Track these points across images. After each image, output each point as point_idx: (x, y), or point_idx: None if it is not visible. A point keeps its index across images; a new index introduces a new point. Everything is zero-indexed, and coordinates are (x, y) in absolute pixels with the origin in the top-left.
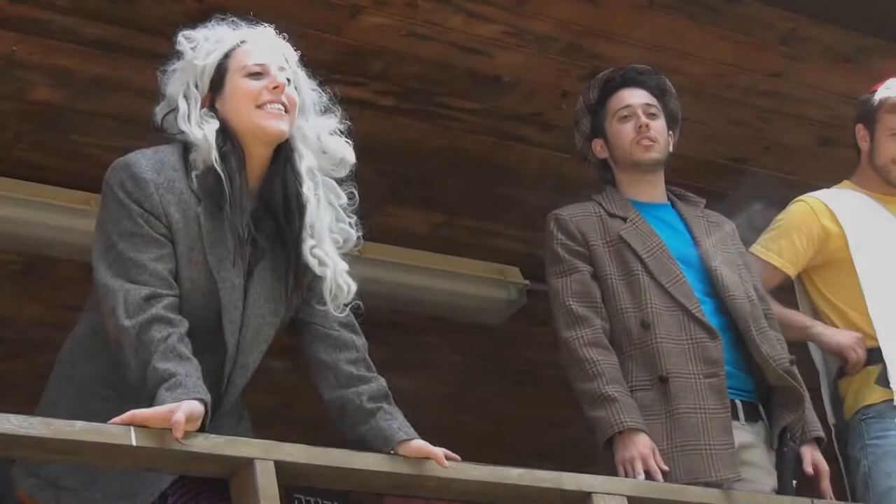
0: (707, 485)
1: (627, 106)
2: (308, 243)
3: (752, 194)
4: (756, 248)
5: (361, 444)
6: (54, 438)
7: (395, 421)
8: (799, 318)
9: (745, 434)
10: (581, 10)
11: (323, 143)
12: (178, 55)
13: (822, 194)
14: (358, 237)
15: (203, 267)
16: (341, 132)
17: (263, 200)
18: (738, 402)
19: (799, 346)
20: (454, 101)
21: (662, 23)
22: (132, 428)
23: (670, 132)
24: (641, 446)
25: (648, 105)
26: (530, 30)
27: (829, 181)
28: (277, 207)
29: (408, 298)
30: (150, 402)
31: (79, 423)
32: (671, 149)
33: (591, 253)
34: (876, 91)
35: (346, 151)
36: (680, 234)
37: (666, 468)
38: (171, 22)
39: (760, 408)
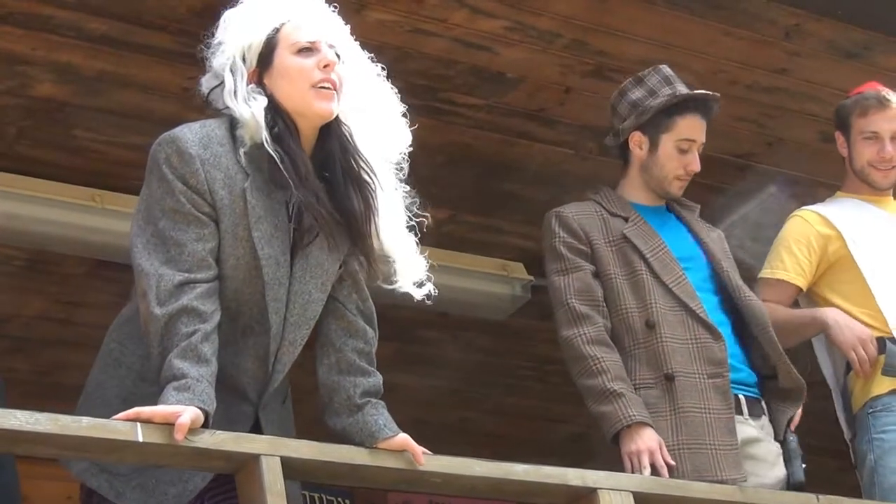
0: (713, 483)
1: (692, 141)
2: (376, 221)
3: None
4: (763, 272)
5: (343, 435)
6: (61, 434)
7: (380, 417)
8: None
9: (748, 429)
10: (584, 5)
11: (376, 118)
12: (224, 27)
13: (814, 206)
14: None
15: (248, 243)
16: (395, 107)
17: (321, 178)
18: (741, 396)
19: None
20: (458, 97)
21: (666, 19)
22: (139, 424)
23: None
24: (649, 440)
25: (702, 144)
26: (534, 26)
27: (831, 177)
28: (339, 185)
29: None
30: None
31: (85, 420)
32: None
33: (593, 251)
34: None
35: (401, 129)
36: (680, 235)
37: (672, 462)
38: (174, 18)
39: (763, 403)
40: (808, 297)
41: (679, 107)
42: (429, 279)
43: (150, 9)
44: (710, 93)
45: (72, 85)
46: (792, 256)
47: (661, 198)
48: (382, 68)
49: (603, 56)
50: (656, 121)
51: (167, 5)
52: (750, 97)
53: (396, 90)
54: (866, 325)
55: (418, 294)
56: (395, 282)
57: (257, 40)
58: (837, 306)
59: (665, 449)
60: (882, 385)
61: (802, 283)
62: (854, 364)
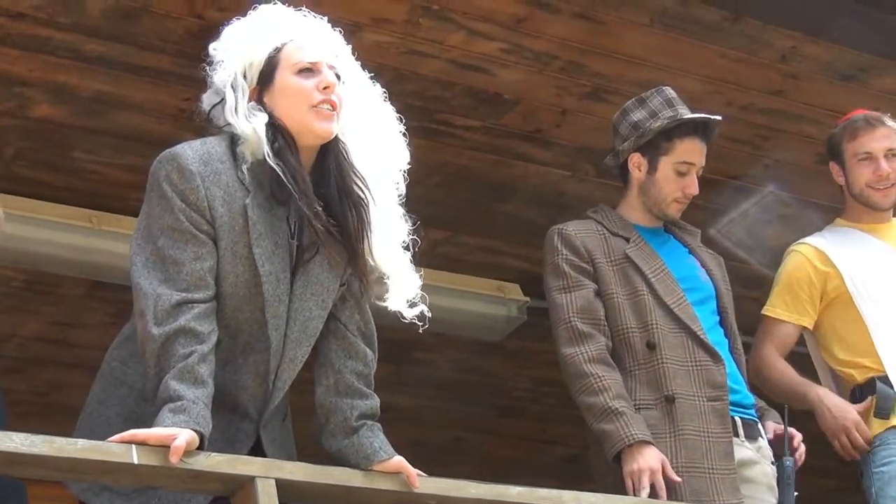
0: None
1: (691, 164)
2: (370, 238)
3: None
4: (766, 310)
5: (338, 457)
6: (56, 457)
7: (376, 439)
8: (799, 385)
9: (744, 451)
10: (580, 27)
11: (375, 138)
12: (225, 44)
13: (813, 239)
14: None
15: (248, 261)
16: (394, 127)
17: (318, 195)
18: (737, 419)
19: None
20: (455, 119)
21: (662, 40)
22: (133, 446)
23: None
24: (650, 459)
25: (701, 168)
26: (530, 48)
27: (827, 199)
28: (334, 202)
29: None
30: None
31: (80, 442)
32: None
33: (596, 270)
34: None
35: (400, 148)
36: (679, 256)
37: (677, 479)
38: (171, 39)
39: (760, 426)
40: (811, 336)
41: (679, 129)
42: (422, 299)
43: (147, 30)
44: (712, 116)
45: (69, 106)
46: (793, 296)
47: (660, 219)
48: (383, 90)
49: (599, 78)
50: (656, 143)
51: (164, 27)
52: (746, 119)
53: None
54: (864, 367)
55: (409, 314)
56: (387, 300)
57: (259, 58)
58: (834, 355)
59: (668, 466)
60: (875, 427)
61: (807, 322)
62: (839, 451)
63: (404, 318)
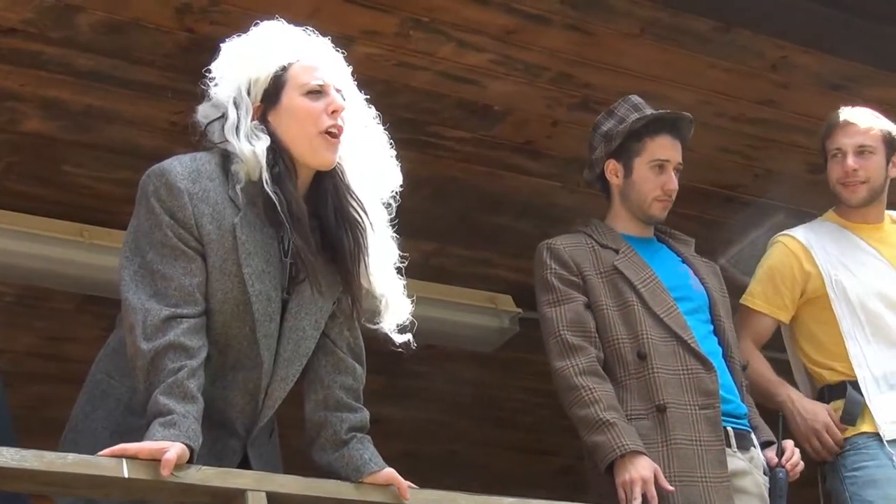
0: None
1: (667, 160)
2: (366, 261)
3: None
4: (745, 300)
5: (329, 470)
6: (46, 471)
7: (366, 451)
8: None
9: (737, 461)
10: (570, 39)
11: (370, 161)
12: (227, 56)
13: (800, 232)
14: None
15: (237, 278)
16: (388, 150)
17: (314, 216)
18: (730, 429)
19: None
20: (445, 131)
21: (652, 51)
22: (124, 460)
23: None
24: (643, 469)
25: (680, 164)
26: (520, 59)
27: (818, 209)
28: (330, 224)
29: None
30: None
31: (70, 456)
32: None
33: (585, 283)
34: None
35: (392, 171)
36: (671, 265)
37: (671, 488)
38: (161, 53)
39: (753, 436)
40: (787, 328)
41: (648, 129)
42: (412, 325)
43: (138, 45)
44: (676, 112)
45: (60, 120)
46: (775, 288)
47: (648, 224)
48: (377, 112)
49: (589, 89)
50: (627, 146)
51: (154, 41)
52: (736, 129)
53: (384, 124)
54: (835, 371)
55: (399, 339)
56: (379, 323)
57: (264, 76)
58: (808, 355)
59: (661, 476)
60: (847, 431)
61: (784, 316)
62: (810, 454)
63: (395, 343)
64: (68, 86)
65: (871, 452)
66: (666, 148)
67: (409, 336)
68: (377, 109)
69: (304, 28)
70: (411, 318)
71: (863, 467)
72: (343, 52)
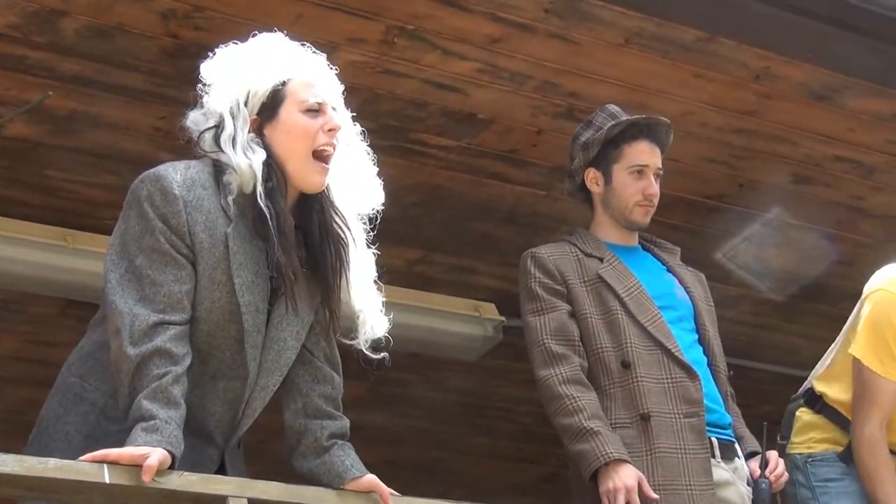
0: None
1: (644, 165)
2: (347, 277)
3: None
4: (876, 368)
5: (310, 477)
6: (27, 476)
7: (347, 458)
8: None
9: (721, 472)
10: (555, 47)
11: (356, 178)
12: (222, 66)
13: None
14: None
15: (226, 288)
16: (371, 167)
17: (298, 230)
18: (714, 439)
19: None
20: (430, 138)
21: (636, 61)
22: (105, 465)
23: None
24: (626, 477)
25: (660, 169)
26: (505, 67)
27: (803, 219)
28: (314, 240)
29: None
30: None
31: (52, 461)
32: None
33: (569, 292)
34: None
35: (375, 188)
36: (656, 274)
37: (655, 497)
38: (146, 58)
39: (737, 447)
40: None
41: (625, 135)
42: (388, 342)
43: (122, 49)
44: (652, 117)
45: (44, 125)
46: (886, 350)
47: (631, 231)
48: (361, 123)
49: (574, 98)
50: (605, 153)
51: (139, 46)
52: (720, 139)
53: (368, 131)
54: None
55: (375, 356)
56: (355, 338)
57: (263, 89)
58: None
59: (646, 484)
60: (817, 447)
61: None
62: None
63: (369, 360)
64: (53, 90)
65: (844, 468)
66: (644, 153)
67: (384, 354)
68: (362, 117)
69: (304, 44)
70: (389, 333)
71: (838, 479)
72: (327, 60)
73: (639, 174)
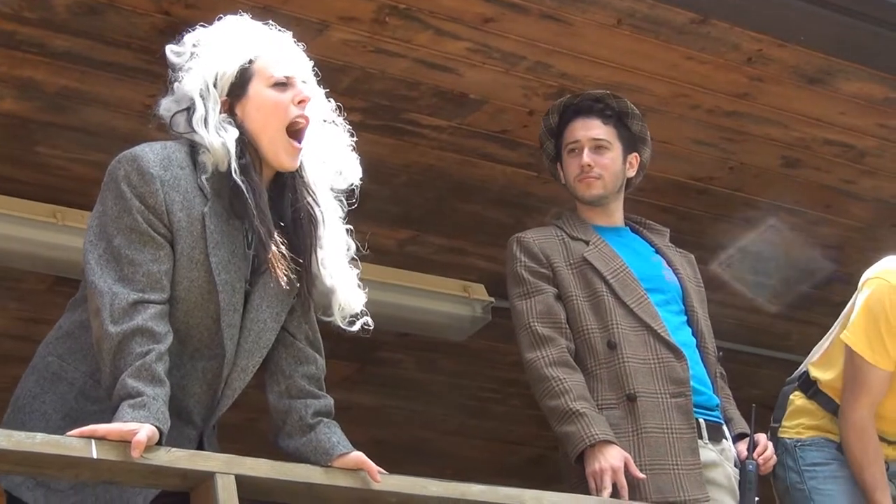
0: None
1: (576, 141)
2: (318, 254)
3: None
4: (867, 355)
5: (297, 456)
6: (13, 451)
7: (333, 435)
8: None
9: (708, 453)
10: (547, 28)
11: (330, 154)
12: (192, 53)
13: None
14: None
15: (204, 267)
16: (348, 144)
17: (273, 208)
18: (701, 420)
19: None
20: (421, 118)
21: (629, 42)
22: (93, 441)
23: (634, 154)
24: (612, 458)
25: (596, 139)
26: (497, 48)
27: (793, 202)
28: (287, 218)
29: (372, 314)
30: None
31: (39, 436)
32: (636, 171)
33: (555, 274)
34: None
35: (352, 164)
36: (643, 255)
37: (642, 476)
38: (137, 35)
39: (725, 428)
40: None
41: (563, 121)
42: (363, 314)
43: (114, 26)
44: (572, 95)
45: (34, 101)
46: (894, 343)
47: (595, 206)
48: (338, 103)
49: (566, 78)
50: (556, 145)
51: (130, 23)
52: (711, 121)
53: (359, 110)
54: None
55: (352, 328)
56: (332, 315)
57: (231, 70)
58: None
59: (632, 464)
60: (806, 432)
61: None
62: None
63: (348, 330)
64: (43, 66)
65: (833, 454)
66: (575, 130)
67: (360, 324)
68: (353, 96)
69: (266, 22)
70: (377, 313)
71: (826, 463)
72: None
73: (573, 151)
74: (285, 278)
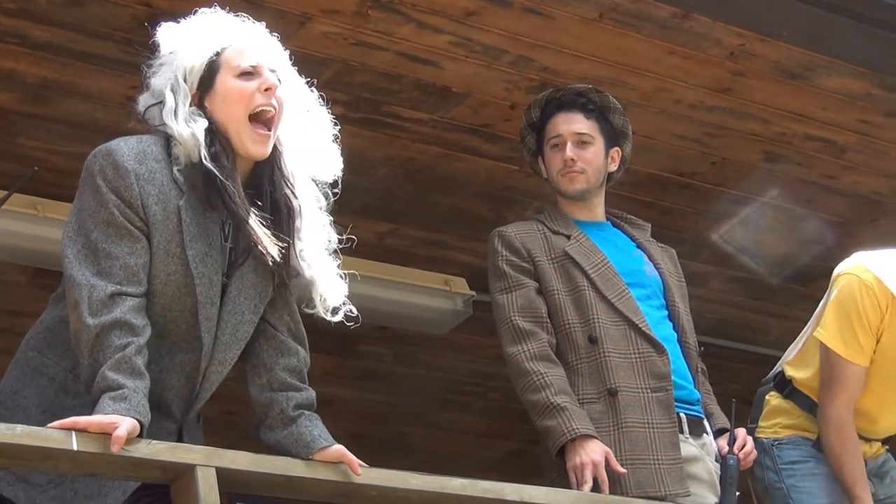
0: (654, 499)
1: (558, 135)
2: (297, 246)
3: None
4: (840, 350)
5: (278, 449)
6: None
7: (314, 428)
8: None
9: (689, 447)
10: (530, 22)
11: (310, 144)
12: (163, 47)
13: (876, 264)
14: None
15: (180, 260)
16: (329, 134)
17: (251, 200)
18: (682, 415)
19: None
20: (402, 111)
21: (611, 36)
22: (73, 433)
23: (616, 149)
24: (593, 452)
25: (579, 133)
26: (479, 41)
27: (775, 197)
28: (265, 209)
29: (353, 307)
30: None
31: (19, 427)
32: (617, 165)
33: (536, 269)
34: None
35: (333, 154)
36: (625, 250)
37: (622, 471)
38: (118, 27)
39: (706, 423)
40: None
41: (544, 116)
42: (345, 304)
43: (95, 17)
44: (554, 90)
45: (15, 93)
46: (867, 338)
47: (577, 200)
48: (320, 95)
49: (548, 72)
50: (538, 139)
51: (112, 14)
52: (694, 116)
53: (341, 103)
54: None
55: (334, 319)
56: (314, 306)
57: (199, 63)
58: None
59: (613, 459)
60: (783, 431)
61: (865, 362)
62: None
63: (330, 320)
64: (24, 58)
65: (810, 451)
66: (557, 125)
67: (342, 313)
68: (335, 88)
69: (238, 14)
70: (358, 306)
71: (804, 461)
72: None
73: (556, 146)
74: (277, 249)
